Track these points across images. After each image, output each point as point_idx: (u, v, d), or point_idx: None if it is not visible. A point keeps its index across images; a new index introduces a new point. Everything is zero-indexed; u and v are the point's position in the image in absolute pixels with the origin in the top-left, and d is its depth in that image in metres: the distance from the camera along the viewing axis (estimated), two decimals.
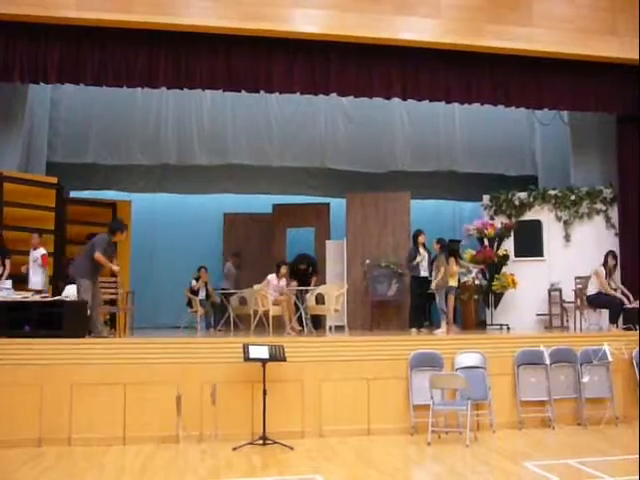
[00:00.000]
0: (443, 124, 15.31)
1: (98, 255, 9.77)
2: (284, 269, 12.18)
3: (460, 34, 11.23)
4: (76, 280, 9.88)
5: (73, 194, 14.63)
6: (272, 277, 11.96)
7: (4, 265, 10.64)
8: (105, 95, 13.16)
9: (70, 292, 10.11)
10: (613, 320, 11.36)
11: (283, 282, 12.05)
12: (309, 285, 12.93)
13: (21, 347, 8.74)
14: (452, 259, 11.80)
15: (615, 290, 11.48)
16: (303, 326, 12.19)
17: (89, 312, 9.80)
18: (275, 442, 8.32)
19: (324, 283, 13.22)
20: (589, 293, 11.67)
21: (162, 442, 8.51)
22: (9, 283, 10.52)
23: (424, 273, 11.80)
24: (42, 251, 11.26)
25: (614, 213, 13.30)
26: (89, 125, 14.14)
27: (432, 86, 11.66)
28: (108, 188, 15.11)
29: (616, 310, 11.33)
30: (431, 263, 12.17)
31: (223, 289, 13.97)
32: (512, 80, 11.88)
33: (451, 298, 11.75)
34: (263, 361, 8.47)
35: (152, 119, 14.30)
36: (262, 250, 15.26)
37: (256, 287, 12.03)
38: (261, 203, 15.93)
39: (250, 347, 8.54)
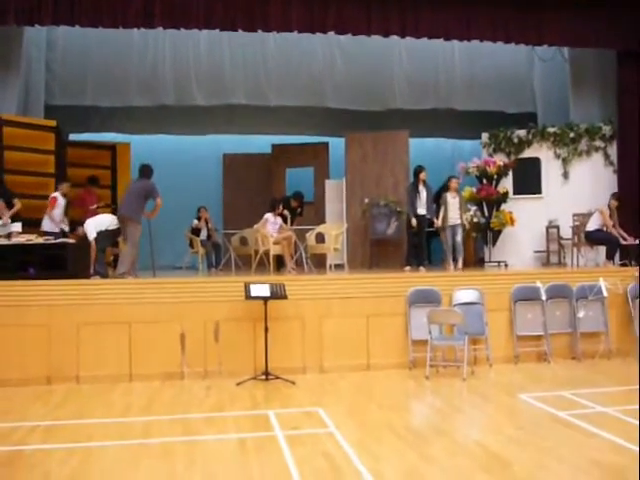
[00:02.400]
0: (442, 61, 15.19)
1: (160, 201, 10.39)
2: (280, 207, 12.23)
3: None
4: (130, 223, 10.35)
5: (72, 137, 14.60)
6: (269, 215, 11.95)
7: (9, 209, 10.69)
8: (102, 36, 13.02)
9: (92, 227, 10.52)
10: (610, 256, 11.52)
11: (280, 220, 12.12)
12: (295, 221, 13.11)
13: (27, 288, 8.94)
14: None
15: (614, 227, 11.57)
16: (303, 265, 12.33)
17: (127, 253, 10.37)
18: (277, 377, 8.56)
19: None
20: (588, 229, 11.78)
21: (167, 379, 8.77)
22: (18, 225, 10.54)
23: (422, 211, 11.68)
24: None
25: (613, 150, 13.28)
26: (86, 67, 14.01)
27: (431, 23, 11.59)
28: (107, 130, 15.05)
29: (613, 246, 11.49)
30: (434, 201, 12.09)
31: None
32: (511, 16, 11.81)
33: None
34: (264, 299, 8.64)
35: (149, 60, 14.19)
36: (262, 190, 15.29)
37: (256, 227, 12.11)
38: (260, 143, 15.92)
39: (251, 286, 8.69)
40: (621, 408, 6.87)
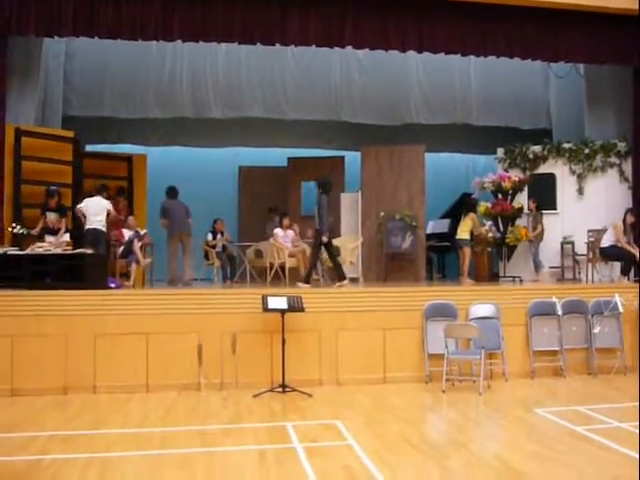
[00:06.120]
0: (458, 77, 15.25)
1: None
2: (286, 220, 12.32)
3: None
4: (189, 239, 11.97)
5: (89, 148, 14.72)
6: (278, 230, 12.11)
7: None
8: (120, 48, 13.14)
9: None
10: (625, 272, 11.48)
11: (290, 232, 12.19)
12: None
13: (45, 298, 8.97)
14: (471, 214, 11.95)
15: (628, 244, 11.54)
16: (319, 277, 12.35)
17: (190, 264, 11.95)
18: (294, 390, 8.57)
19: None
20: (603, 245, 11.76)
21: (184, 390, 8.78)
22: (66, 236, 11.00)
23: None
24: None
25: (628, 167, 13.29)
26: (104, 78, 14.13)
27: (448, 38, 11.64)
28: (124, 142, 15.16)
29: (629, 262, 11.43)
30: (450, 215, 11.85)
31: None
32: (528, 32, 11.84)
33: (467, 251, 11.90)
34: (282, 311, 8.66)
35: (167, 72, 14.28)
36: (277, 203, 15.34)
37: (271, 240, 12.19)
38: (276, 156, 15.99)
39: (269, 298, 8.72)
40: (637, 423, 6.83)
